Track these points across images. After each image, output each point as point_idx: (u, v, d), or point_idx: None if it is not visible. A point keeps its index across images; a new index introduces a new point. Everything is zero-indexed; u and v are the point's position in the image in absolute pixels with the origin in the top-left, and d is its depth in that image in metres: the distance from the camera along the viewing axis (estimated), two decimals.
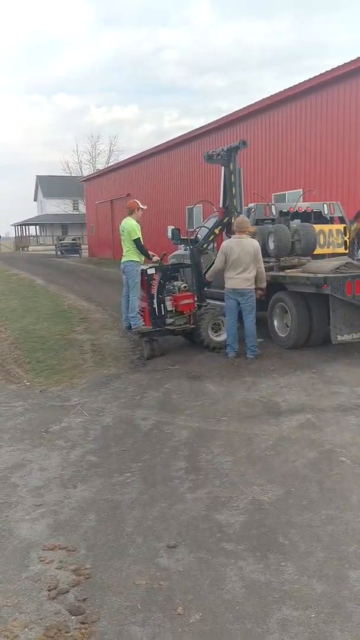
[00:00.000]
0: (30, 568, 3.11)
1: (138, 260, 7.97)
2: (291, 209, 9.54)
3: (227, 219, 8.40)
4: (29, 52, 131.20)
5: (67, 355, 8.30)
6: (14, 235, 67.32)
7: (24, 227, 63.81)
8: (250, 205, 9.69)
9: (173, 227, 9.29)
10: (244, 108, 18.27)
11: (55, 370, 7.55)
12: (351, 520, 3.50)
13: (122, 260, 8.09)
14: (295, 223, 9.03)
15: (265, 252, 8.26)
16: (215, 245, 8.59)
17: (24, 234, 63.01)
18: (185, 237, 9.43)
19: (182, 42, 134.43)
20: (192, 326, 8.06)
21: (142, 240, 7.98)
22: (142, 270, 7.92)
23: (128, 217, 8.12)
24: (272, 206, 9.62)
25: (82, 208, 52.27)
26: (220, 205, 8.62)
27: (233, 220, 8.28)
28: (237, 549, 3.23)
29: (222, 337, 8.08)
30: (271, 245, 8.50)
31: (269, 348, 8.07)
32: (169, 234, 9.37)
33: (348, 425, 5.11)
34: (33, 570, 3.09)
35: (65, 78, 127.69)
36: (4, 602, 2.81)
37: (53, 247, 44.44)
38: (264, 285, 7.75)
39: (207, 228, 8.98)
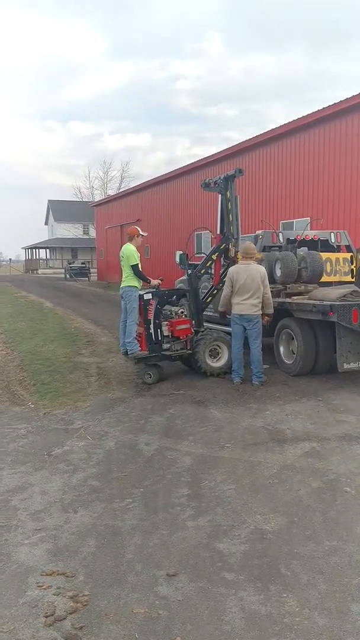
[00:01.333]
0: (27, 593, 3.07)
1: (137, 285, 8.03)
2: (298, 237, 9.59)
3: (224, 245, 8.44)
4: (45, 79, 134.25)
5: (72, 378, 8.29)
6: (24, 258, 67.87)
7: (34, 250, 64.41)
8: (258, 232, 9.77)
9: (181, 252, 9.36)
10: (253, 138, 18.52)
11: (60, 393, 7.53)
12: (355, 552, 3.43)
13: (121, 286, 8.17)
14: (302, 251, 9.07)
15: (272, 279, 8.29)
16: (212, 271, 8.61)
17: (34, 257, 63.54)
18: (193, 262, 9.50)
19: (194, 73, 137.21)
20: (189, 351, 8.01)
21: (140, 267, 8.06)
22: (139, 295, 7.98)
23: (128, 243, 8.24)
24: (280, 234, 9.69)
25: (92, 232, 52.77)
26: (218, 232, 8.69)
27: (230, 247, 8.35)
28: (238, 579, 3.17)
29: (220, 363, 8.04)
30: (278, 272, 8.53)
31: (274, 374, 8.04)
32: (177, 259, 9.46)
33: (353, 454, 5.05)
34: (30, 596, 3.04)
35: (80, 105, 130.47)
36: (0, 629, 2.77)
37: (62, 270, 44.79)
38: (270, 311, 7.74)
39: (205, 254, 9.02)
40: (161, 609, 2.91)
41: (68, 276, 40.61)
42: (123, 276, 8.11)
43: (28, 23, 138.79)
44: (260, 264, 8.55)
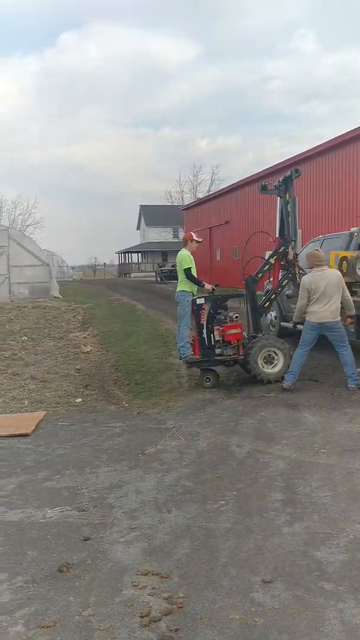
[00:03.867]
0: (123, 592, 3.10)
1: (189, 290, 8.05)
2: None
3: (282, 248, 8.15)
4: (137, 87, 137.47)
5: (164, 379, 8.38)
6: (118, 263, 69.90)
7: (126, 254, 66.16)
8: (353, 229, 9.41)
9: (270, 252, 9.19)
10: (347, 133, 17.94)
11: (153, 393, 7.64)
12: None
13: (176, 290, 8.21)
14: None
15: None
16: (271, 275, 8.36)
17: (127, 261, 65.27)
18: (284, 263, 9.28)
19: (285, 72, 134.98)
20: (241, 357, 7.78)
21: (193, 271, 8.06)
22: (192, 300, 7.92)
23: (183, 248, 8.25)
24: None
25: (182, 235, 53.39)
26: (277, 235, 8.42)
27: (289, 250, 8.05)
28: (338, 590, 3.03)
29: (276, 369, 7.75)
30: None
31: None
32: (266, 257, 9.30)
33: None
34: (126, 595, 3.07)
35: (171, 111, 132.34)
36: (96, 626, 2.81)
37: (153, 273, 45.63)
38: (352, 312, 7.45)
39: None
40: (257, 617, 2.84)
41: (159, 279, 41.31)
42: (178, 281, 8.22)
43: (118, 35, 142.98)
44: (356, 263, 8.24)
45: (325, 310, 7.19)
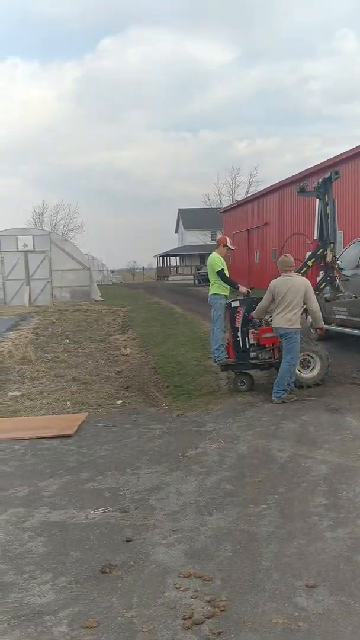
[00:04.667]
0: (165, 594, 3.11)
1: (222, 293, 8.02)
2: None
3: (321, 251, 8.01)
4: (177, 91, 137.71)
5: (203, 381, 8.38)
6: (156, 266, 70.28)
7: (165, 257, 66.46)
8: None
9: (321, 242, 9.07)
10: None
11: (192, 395, 7.64)
12: None
13: (208, 294, 8.19)
14: None
15: None
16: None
17: (165, 265, 65.56)
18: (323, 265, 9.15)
19: (326, 72, 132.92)
20: (277, 360, 7.63)
21: (226, 272, 8.05)
22: (226, 303, 7.87)
23: (214, 251, 8.26)
24: None
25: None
26: (315, 238, 8.26)
27: (328, 252, 7.92)
28: None
29: (312, 373, 7.64)
30: None
31: None
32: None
33: None
34: (169, 597, 3.08)
35: (210, 114, 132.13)
36: (139, 627, 2.82)
37: (191, 276, 45.69)
38: (319, 324, 7.38)
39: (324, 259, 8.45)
40: (301, 621, 2.80)
41: (197, 282, 41.32)
42: (210, 284, 8.19)
43: (157, 39, 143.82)
44: None
45: (281, 317, 7.07)
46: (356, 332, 9.62)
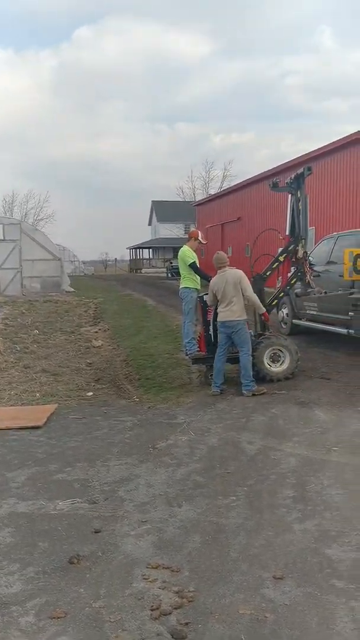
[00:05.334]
0: (133, 585, 3.10)
1: (193, 286, 8.03)
2: None
3: (292, 246, 8.09)
4: (154, 82, 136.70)
5: (175, 374, 8.38)
6: (129, 258, 69.97)
7: (138, 250, 66.17)
8: None
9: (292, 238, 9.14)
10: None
11: (163, 388, 7.64)
12: None
13: (179, 287, 8.21)
14: None
15: None
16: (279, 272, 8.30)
17: (138, 257, 65.30)
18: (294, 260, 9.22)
19: (304, 69, 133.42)
20: None
21: (197, 264, 8.08)
22: (198, 297, 7.89)
23: (185, 245, 8.27)
24: None
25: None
26: (287, 233, 8.34)
27: (299, 248, 8.01)
28: (349, 588, 3.01)
29: (282, 367, 7.69)
30: None
31: None
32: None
33: None
34: (137, 588, 3.07)
35: (188, 107, 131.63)
36: (107, 617, 2.81)
37: (164, 269, 45.65)
38: (261, 311, 7.54)
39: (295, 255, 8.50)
40: (268, 612, 2.83)
41: (170, 275, 41.28)
42: (181, 277, 8.20)
43: (135, 30, 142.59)
44: None
45: (226, 310, 7.19)
46: (326, 327, 9.74)
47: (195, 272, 8.02)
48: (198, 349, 7.86)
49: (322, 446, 5.23)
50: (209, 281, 8.10)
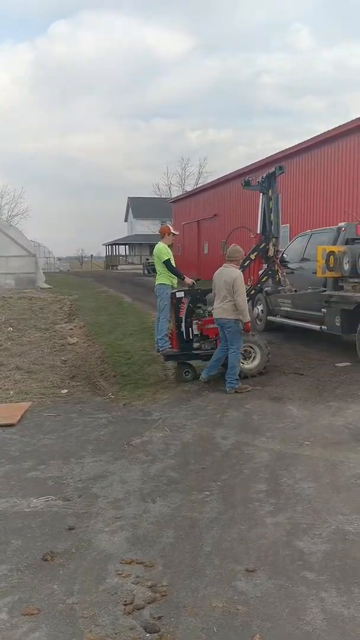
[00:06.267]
0: (107, 580, 3.12)
1: (168, 283, 8.05)
2: None
3: (263, 245, 8.16)
4: (131, 78, 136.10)
5: (150, 371, 8.39)
6: (105, 255, 69.62)
7: (114, 246, 65.89)
8: (341, 224, 9.46)
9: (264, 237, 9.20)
10: (335, 128, 17.99)
11: (139, 385, 7.65)
12: None
13: (155, 284, 8.23)
14: None
15: (356, 273, 8.02)
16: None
17: (114, 254, 65.04)
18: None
19: (280, 67, 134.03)
20: None
21: (172, 262, 8.06)
22: (171, 293, 7.92)
23: (159, 242, 8.25)
24: None
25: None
26: (259, 232, 8.43)
27: (270, 246, 8.08)
28: (319, 579, 3.08)
29: (252, 364, 7.73)
30: None
31: (357, 373, 7.76)
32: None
33: None
34: (110, 583, 3.09)
35: (165, 103, 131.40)
36: (80, 614, 2.83)
37: (141, 266, 45.56)
38: (245, 319, 7.18)
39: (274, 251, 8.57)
40: (240, 605, 2.87)
41: (146, 272, 41.21)
42: (156, 274, 8.20)
43: (112, 24, 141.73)
44: (343, 258, 8.28)
45: (219, 307, 7.21)
46: (300, 323, 9.86)
47: (169, 270, 8.02)
48: (170, 345, 7.88)
49: (295, 441, 5.30)
50: (182, 279, 8.12)
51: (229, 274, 7.20)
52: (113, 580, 3.12)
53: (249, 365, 7.76)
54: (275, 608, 2.85)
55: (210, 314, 7.64)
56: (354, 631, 2.66)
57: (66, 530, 3.70)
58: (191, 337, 7.80)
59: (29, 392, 7.47)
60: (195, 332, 7.79)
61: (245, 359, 7.74)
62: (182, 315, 7.77)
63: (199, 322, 7.77)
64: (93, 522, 3.80)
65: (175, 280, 8.13)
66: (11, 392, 7.44)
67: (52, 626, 2.74)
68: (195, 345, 7.82)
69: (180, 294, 7.84)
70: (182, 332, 7.78)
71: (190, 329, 7.79)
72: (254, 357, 7.80)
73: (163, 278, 8.07)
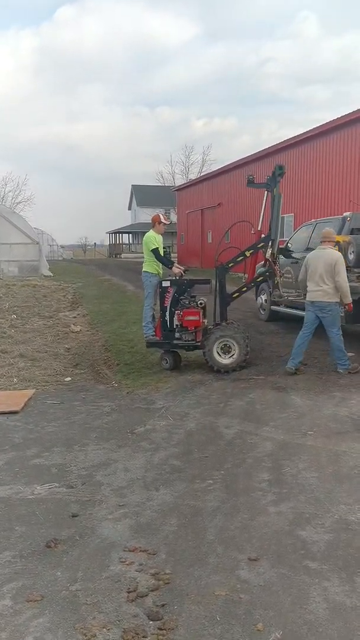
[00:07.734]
0: (110, 568, 3.13)
1: (152, 271, 8.06)
2: None
3: (262, 244, 7.98)
4: (136, 66, 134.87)
5: (154, 360, 8.39)
6: (108, 243, 69.46)
7: (117, 234, 65.71)
8: (346, 214, 9.41)
9: (264, 236, 9.15)
10: (339, 118, 17.82)
11: (142, 374, 7.65)
12: None
13: (142, 271, 8.25)
14: None
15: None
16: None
17: (118, 242, 64.87)
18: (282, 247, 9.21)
19: (286, 55, 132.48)
20: (198, 344, 7.67)
21: (160, 250, 8.05)
22: (158, 282, 7.90)
23: (150, 230, 8.26)
24: None
25: (173, 217, 53.13)
26: (259, 228, 8.30)
27: (268, 249, 7.92)
28: (322, 569, 3.08)
29: (230, 360, 7.56)
30: None
31: None
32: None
33: None
34: (113, 571, 3.11)
35: (170, 91, 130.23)
36: (84, 600, 2.84)
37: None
38: (347, 300, 7.17)
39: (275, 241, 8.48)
40: (242, 593, 2.88)
41: None
42: (143, 262, 8.23)
43: (117, 11, 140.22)
44: (348, 248, 8.24)
45: (318, 290, 7.13)
46: (302, 313, 9.81)
47: (157, 259, 7.99)
48: (153, 333, 7.86)
49: (298, 430, 5.30)
50: (169, 268, 8.05)
51: (330, 255, 7.14)
52: (116, 567, 3.14)
53: (227, 360, 7.57)
54: (278, 597, 2.85)
55: (197, 305, 7.61)
56: (357, 620, 2.67)
57: (70, 517, 3.71)
58: (174, 327, 7.74)
59: (32, 379, 7.49)
60: (177, 322, 7.71)
61: (224, 352, 7.61)
62: (167, 304, 7.72)
63: (179, 313, 7.67)
64: (96, 510, 3.82)
65: (160, 270, 8.10)
66: (15, 380, 7.45)
67: (55, 613, 2.76)
68: (177, 335, 7.73)
69: (166, 283, 7.77)
70: (166, 321, 7.73)
71: (173, 319, 7.74)
72: (232, 353, 7.60)
73: (147, 266, 8.10)
